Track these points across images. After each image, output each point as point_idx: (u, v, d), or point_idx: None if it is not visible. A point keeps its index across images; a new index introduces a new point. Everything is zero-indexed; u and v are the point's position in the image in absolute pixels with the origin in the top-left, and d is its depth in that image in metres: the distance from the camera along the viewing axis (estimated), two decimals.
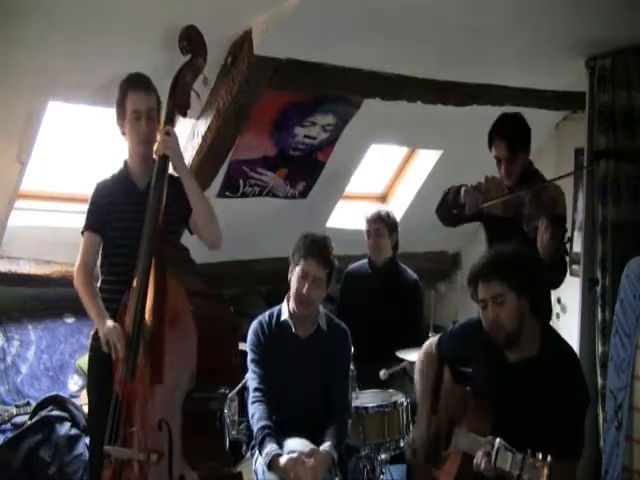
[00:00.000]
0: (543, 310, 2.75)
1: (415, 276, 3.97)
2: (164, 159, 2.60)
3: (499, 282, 2.39)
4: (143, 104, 2.60)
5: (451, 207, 3.11)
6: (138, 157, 2.69)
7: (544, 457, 1.97)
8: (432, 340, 2.80)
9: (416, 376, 2.76)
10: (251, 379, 2.87)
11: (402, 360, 3.55)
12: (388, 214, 3.97)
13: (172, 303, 2.43)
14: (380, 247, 3.93)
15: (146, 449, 2.37)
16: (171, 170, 2.67)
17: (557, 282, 3.08)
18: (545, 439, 2.21)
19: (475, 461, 2.18)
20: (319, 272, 2.83)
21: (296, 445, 2.73)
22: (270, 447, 2.66)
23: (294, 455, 2.64)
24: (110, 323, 2.48)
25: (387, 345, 3.64)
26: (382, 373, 3.49)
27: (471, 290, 2.50)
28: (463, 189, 3.04)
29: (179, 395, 2.34)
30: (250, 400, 2.84)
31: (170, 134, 2.61)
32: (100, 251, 2.71)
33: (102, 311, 2.55)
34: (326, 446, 2.72)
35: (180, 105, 2.69)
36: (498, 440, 2.10)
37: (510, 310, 2.39)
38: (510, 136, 3.04)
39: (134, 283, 2.50)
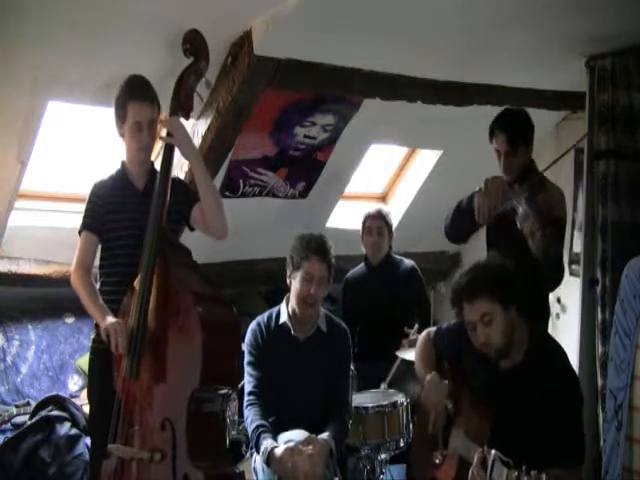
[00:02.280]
0: (535, 312, 2.73)
1: (412, 262, 3.99)
2: (169, 149, 2.61)
3: (483, 300, 2.35)
4: (145, 116, 2.60)
5: (469, 215, 2.97)
6: (136, 160, 2.70)
7: (538, 475, 1.93)
8: (429, 329, 2.80)
9: (416, 362, 2.75)
10: (247, 382, 2.86)
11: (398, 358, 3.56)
12: (388, 214, 4.01)
13: (177, 303, 2.43)
14: (380, 245, 3.94)
15: (149, 448, 2.37)
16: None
17: (550, 284, 3.01)
18: (542, 443, 2.21)
19: (471, 471, 2.17)
20: (322, 271, 2.83)
21: (292, 435, 2.71)
22: (266, 443, 2.64)
23: (291, 444, 2.62)
24: (111, 318, 2.47)
25: (387, 344, 3.64)
26: (383, 386, 3.48)
27: (456, 310, 2.46)
28: (477, 194, 2.97)
29: (183, 395, 2.34)
30: (245, 404, 2.83)
31: (174, 124, 2.62)
32: (99, 252, 2.70)
33: (102, 307, 2.54)
34: (324, 435, 2.71)
35: (183, 107, 2.69)
36: (494, 452, 2.07)
37: (499, 327, 2.35)
38: (511, 129, 2.98)
39: (136, 282, 2.50)
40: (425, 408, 2.62)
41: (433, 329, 2.80)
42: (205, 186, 2.67)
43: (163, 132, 2.74)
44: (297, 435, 2.70)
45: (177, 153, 2.72)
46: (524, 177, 3.00)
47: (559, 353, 2.47)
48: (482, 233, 3.24)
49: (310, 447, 2.61)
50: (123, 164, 2.74)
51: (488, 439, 2.27)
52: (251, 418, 2.75)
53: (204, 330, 2.33)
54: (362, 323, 3.62)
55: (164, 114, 2.74)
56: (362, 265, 4.06)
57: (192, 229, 2.78)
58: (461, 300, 2.40)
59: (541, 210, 2.85)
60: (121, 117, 2.63)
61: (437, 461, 2.51)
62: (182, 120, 2.70)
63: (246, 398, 2.83)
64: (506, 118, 3.06)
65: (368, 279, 3.99)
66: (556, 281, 2.99)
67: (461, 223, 3.07)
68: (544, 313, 3.11)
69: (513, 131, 2.99)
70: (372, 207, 4.07)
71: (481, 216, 2.92)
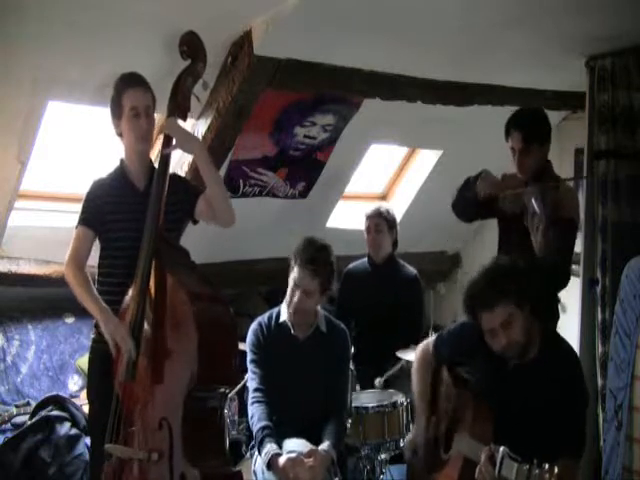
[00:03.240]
0: (545, 311, 2.72)
1: (415, 271, 3.97)
2: (165, 158, 2.61)
3: (502, 305, 2.32)
4: (141, 101, 2.59)
5: (474, 194, 3.00)
6: (136, 155, 2.68)
7: (551, 468, 1.93)
8: (428, 340, 2.78)
9: (413, 377, 2.75)
10: (251, 379, 2.87)
11: (399, 359, 3.55)
12: (388, 210, 3.97)
13: (173, 303, 2.43)
14: (380, 243, 3.92)
15: (147, 448, 2.37)
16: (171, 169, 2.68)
17: (555, 287, 2.97)
18: (546, 440, 2.21)
19: (479, 468, 2.16)
20: (310, 284, 2.81)
21: (295, 445, 2.73)
22: (269, 447, 2.66)
23: (293, 455, 2.63)
24: (113, 320, 2.46)
25: (387, 343, 3.64)
26: (377, 381, 3.48)
27: (470, 317, 2.43)
28: (481, 177, 3.00)
29: (180, 395, 2.34)
30: (250, 401, 2.84)
31: (171, 126, 2.64)
32: (98, 252, 2.70)
33: (99, 301, 2.52)
34: (325, 446, 2.72)
35: (180, 109, 2.69)
36: (502, 448, 2.07)
37: (519, 327, 2.34)
38: (526, 127, 2.96)
39: (134, 283, 2.50)
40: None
41: (432, 339, 2.77)
42: (211, 178, 2.66)
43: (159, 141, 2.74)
44: (299, 445, 2.72)
45: (175, 153, 2.73)
46: (538, 177, 2.97)
47: (570, 351, 2.49)
48: (483, 235, 3.24)
49: (311, 460, 2.62)
50: (122, 162, 2.72)
51: (492, 440, 2.26)
52: (257, 416, 2.76)
53: (199, 330, 2.33)
54: (361, 320, 3.61)
55: (160, 116, 2.74)
56: (364, 261, 4.03)
57: (195, 222, 2.78)
58: (476, 309, 2.38)
59: (549, 211, 2.84)
60: (117, 111, 2.61)
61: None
62: (179, 122, 2.70)
63: (251, 395, 2.84)
64: (522, 116, 3.03)
65: (371, 276, 3.96)
66: (560, 284, 2.95)
67: (467, 196, 3.05)
68: (553, 315, 3.08)
69: (528, 129, 2.96)
70: (372, 206, 4.05)
71: (482, 188, 2.94)
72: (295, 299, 2.82)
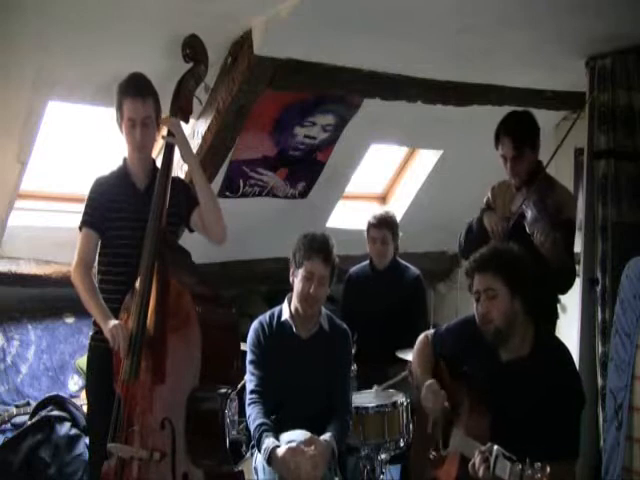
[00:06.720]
0: (542, 312, 2.73)
1: (417, 272, 3.93)
2: (169, 149, 2.63)
3: (494, 275, 2.41)
4: (138, 113, 2.57)
5: (483, 236, 3.00)
6: (134, 159, 2.70)
7: (543, 467, 1.94)
8: (427, 332, 2.81)
9: (414, 365, 2.76)
10: (248, 381, 2.86)
11: (402, 362, 3.55)
12: (392, 218, 3.89)
13: (176, 305, 2.44)
14: (385, 253, 3.87)
15: (149, 447, 2.37)
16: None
17: (563, 287, 3.02)
18: (540, 439, 2.21)
19: (473, 466, 2.16)
20: (324, 271, 2.83)
21: (294, 435, 2.71)
22: (268, 442, 2.64)
23: (293, 444, 2.61)
24: (114, 321, 2.47)
25: (392, 346, 3.63)
26: (375, 389, 3.48)
27: (469, 282, 2.51)
28: (485, 214, 3.06)
29: (182, 395, 2.35)
30: (247, 402, 2.83)
31: (174, 124, 2.65)
32: (98, 250, 2.70)
33: (104, 308, 2.54)
34: (326, 436, 2.70)
35: (183, 111, 2.70)
36: (496, 447, 2.08)
37: (501, 307, 2.39)
38: (516, 133, 2.95)
39: (136, 284, 2.50)
40: (424, 410, 2.63)
41: (431, 332, 2.80)
42: (205, 194, 2.68)
43: (164, 131, 2.74)
44: (298, 435, 2.70)
45: (177, 154, 2.73)
46: (532, 180, 2.97)
47: (565, 351, 2.49)
48: None
49: (312, 448, 2.61)
50: (125, 161, 2.73)
51: (488, 437, 2.26)
52: (254, 416, 2.75)
53: (202, 330, 2.34)
54: (364, 324, 3.60)
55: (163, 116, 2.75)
56: (367, 265, 4.00)
57: (191, 231, 2.79)
58: (473, 270, 2.48)
59: (550, 213, 2.85)
60: (119, 115, 2.63)
61: (431, 457, 2.52)
62: (182, 124, 2.71)
63: (248, 396, 2.83)
64: (511, 122, 3.02)
65: (373, 282, 3.92)
66: (568, 284, 2.99)
67: (477, 246, 2.94)
68: (552, 316, 3.09)
69: (519, 135, 2.96)
70: (376, 212, 3.92)
71: (497, 235, 2.96)
72: (311, 290, 2.83)
